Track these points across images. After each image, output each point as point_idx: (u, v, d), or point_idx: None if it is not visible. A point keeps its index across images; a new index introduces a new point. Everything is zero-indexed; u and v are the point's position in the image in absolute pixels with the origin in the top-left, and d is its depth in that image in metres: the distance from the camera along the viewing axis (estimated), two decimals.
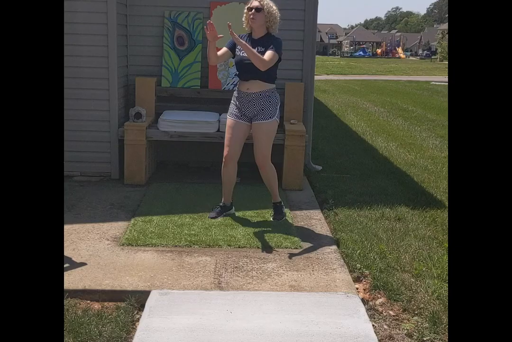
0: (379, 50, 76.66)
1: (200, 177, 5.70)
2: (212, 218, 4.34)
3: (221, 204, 4.45)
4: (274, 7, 4.10)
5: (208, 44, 4.06)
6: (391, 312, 3.09)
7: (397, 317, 3.05)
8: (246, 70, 4.12)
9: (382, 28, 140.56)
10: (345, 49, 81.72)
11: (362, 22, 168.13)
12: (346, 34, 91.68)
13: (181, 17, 5.78)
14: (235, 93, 4.29)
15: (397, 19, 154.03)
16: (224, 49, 4.21)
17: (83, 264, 3.48)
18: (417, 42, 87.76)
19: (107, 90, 5.36)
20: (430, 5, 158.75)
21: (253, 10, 4.02)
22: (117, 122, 5.42)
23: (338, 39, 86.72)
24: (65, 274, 3.31)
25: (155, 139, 5.43)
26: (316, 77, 6.81)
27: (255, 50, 3.97)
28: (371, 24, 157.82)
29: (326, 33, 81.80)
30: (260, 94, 4.15)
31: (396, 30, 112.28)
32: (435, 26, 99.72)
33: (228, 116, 4.31)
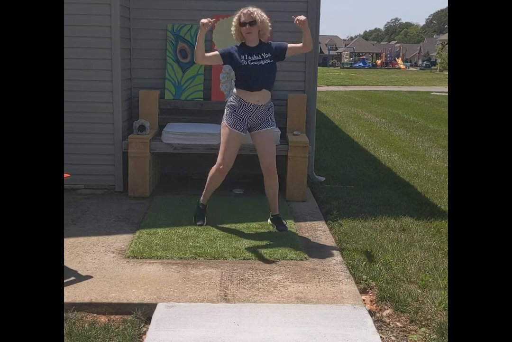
0: (379, 61, 76.96)
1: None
2: (200, 224, 4.43)
3: (201, 206, 4.55)
4: (265, 16, 4.13)
5: (198, 37, 4.07)
6: (398, 324, 3.08)
7: (405, 329, 3.04)
8: (259, 79, 4.10)
9: (382, 39, 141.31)
10: (345, 60, 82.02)
11: (362, 33, 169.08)
12: (345, 45, 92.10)
13: (183, 30, 5.82)
14: (234, 103, 4.20)
15: (396, 30, 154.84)
16: (216, 53, 4.18)
17: (89, 277, 3.47)
18: (417, 53, 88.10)
19: (111, 103, 5.39)
20: (429, 16, 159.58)
21: (247, 25, 4.06)
22: (121, 135, 5.44)
23: (338, 51, 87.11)
24: (71, 287, 3.31)
25: (158, 151, 5.45)
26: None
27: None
28: (371, 35, 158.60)
29: (326, 44, 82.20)
30: (267, 106, 4.23)
31: (395, 41, 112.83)
32: (434, 36, 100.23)
33: (229, 127, 4.23)
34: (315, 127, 6.10)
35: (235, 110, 4.22)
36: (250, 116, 4.19)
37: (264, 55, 4.12)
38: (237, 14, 4.14)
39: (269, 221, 4.53)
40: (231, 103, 4.24)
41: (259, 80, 4.12)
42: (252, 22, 4.05)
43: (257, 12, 4.09)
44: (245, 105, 4.18)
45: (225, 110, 4.29)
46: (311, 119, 5.95)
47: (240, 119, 4.21)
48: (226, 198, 5.18)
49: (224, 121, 4.28)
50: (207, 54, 4.15)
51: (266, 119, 4.23)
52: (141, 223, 4.54)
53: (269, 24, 4.15)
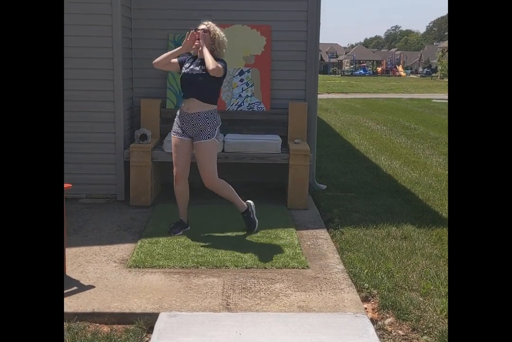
0: (379, 69, 77.09)
1: (205, 197, 5.70)
2: (174, 233, 4.45)
3: (178, 220, 4.57)
4: (222, 35, 4.29)
5: (175, 49, 4.31)
6: (400, 332, 3.08)
7: (407, 337, 3.04)
8: (188, 87, 4.28)
9: (382, 47, 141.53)
10: (346, 67, 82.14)
11: (362, 41, 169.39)
12: (346, 53, 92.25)
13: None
14: (177, 112, 4.42)
15: (396, 38, 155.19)
16: (175, 60, 4.37)
17: (91, 286, 3.48)
18: (417, 60, 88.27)
19: (113, 112, 5.41)
20: (430, 23, 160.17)
21: (198, 30, 4.25)
22: (123, 144, 5.46)
23: (338, 58, 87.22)
24: (74, 296, 3.32)
25: (160, 160, 5.46)
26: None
27: (210, 57, 4.14)
28: (371, 43, 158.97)
29: (327, 52, 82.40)
30: (199, 115, 4.29)
31: (396, 49, 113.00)
32: (434, 44, 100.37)
33: (172, 134, 4.45)
34: (316, 135, 6.12)
35: (176, 118, 4.42)
36: (183, 123, 4.34)
37: (202, 67, 4.25)
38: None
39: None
40: (177, 112, 4.46)
41: (187, 88, 4.29)
42: (205, 30, 4.24)
43: (213, 30, 4.28)
44: (180, 112, 4.38)
45: None
46: (312, 128, 5.97)
47: (178, 126, 4.39)
48: (226, 206, 5.18)
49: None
50: (171, 61, 4.35)
51: (201, 131, 4.30)
52: (143, 232, 4.55)
53: (224, 43, 4.30)
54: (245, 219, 4.63)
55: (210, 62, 4.10)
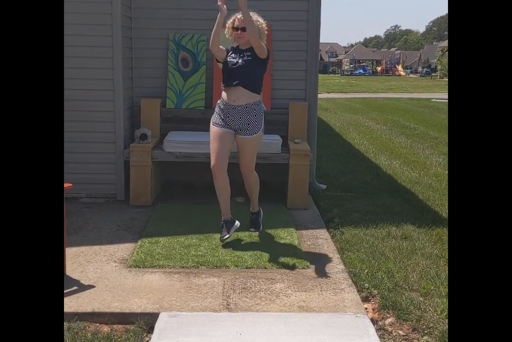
0: (379, 68, 77.08)
1: (206, 197, 5.70)
2: (223, 239, 4.22)
3: (222, 222, 4.34)
4: (260, 21, 4.13)
5: (216, 22, 4.06)
6: (400, 332, 3.08)
7: (407, 337, 3.04)
8: (234, 74, 4.11)
9: (382, 46, 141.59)
10: (345, 67, 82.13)
11: (362, 40, 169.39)
12: (346, 52, 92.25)
13: (185, 39, 5.85)
14: (219, 102, 4.24)
15: (396, 37, 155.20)
16: (223, 48, 4.22)
17: (91, 286, 3.48)
18: (417, 60, 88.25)
19: (113, 112, 5.41)
20: (429, 22, 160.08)
21: (240, 30, 4.10)
22: (123, 143, 5.45)
23: (338, 58, 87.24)
24: (74, 296, 3.32)
25: (160, 160, 5.46)
26: None
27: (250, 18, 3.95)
28: (371, 42, 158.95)
29: (326, 51, 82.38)
30: (246, 107, 4.13)
31: (395, 48, 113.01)
32: (434, 43, 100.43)
33: (212, 125, 4.24)
34: (316, 135, 6.12)
35: (218, 109, 4.24)
36: (228, 116, 4.16)
37: (245, 54, 4.13)
38: (232, 17, 4.16)
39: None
40: (218, 103, 4.27)
41: (234, 76, 4.10)
42: (244, 28, 4.07)
43: (254, 17, 4.08)
44: (224, 104, 4.18)
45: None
46: (312, 127, 5.97)
47: (221, 119, 4.20)
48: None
49: (211, 121, 4.30)
50: (220, 46, 4.18)
51: (248, 124, 4.16)
52: (143, 232, 4.55)
53: (264, 30, 4.14)
54: (252, 219, 4.57)
55: (252, 28, 3.94)
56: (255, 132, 4.19)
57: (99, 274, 3.70)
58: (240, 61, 4.14)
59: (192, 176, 6.11)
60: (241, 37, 4.13)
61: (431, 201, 5.78)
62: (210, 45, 4.16)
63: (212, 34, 4.10)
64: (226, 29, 4.20)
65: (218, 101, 4.27)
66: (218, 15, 4.06)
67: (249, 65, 4.12)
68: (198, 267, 3.81)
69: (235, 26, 4.13)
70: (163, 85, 5.90)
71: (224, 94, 4.21)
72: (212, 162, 4.19)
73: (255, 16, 4.09)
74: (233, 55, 4.21)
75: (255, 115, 4.16)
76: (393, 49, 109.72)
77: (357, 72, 71.90)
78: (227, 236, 4.22)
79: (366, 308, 3.31)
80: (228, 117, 4.16)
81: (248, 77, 4.13)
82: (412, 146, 9.75)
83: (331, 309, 3.23)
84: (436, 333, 3.01)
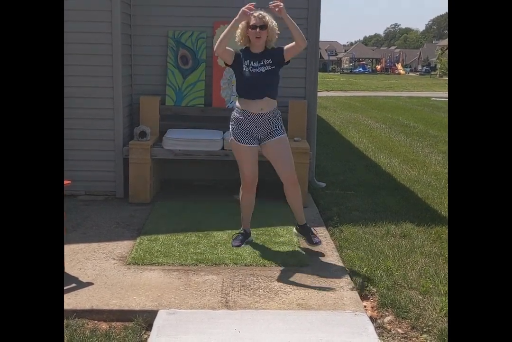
0: (378, 67, 77.04)
1: (205, 195, 5.71)
2: (236, 246, 4.17)
3: (241, 231, 4.30)
4: (274, 22, 4.02)
5: (231, 24, 3.90)
6: (399, 330, 3.08)
7: (406, 335, 3.03)
8: (260, 87, 3.97)
9: (381, 45, 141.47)
10: (345, 65, 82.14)
11: (361, 38, 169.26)
12: (345, 51, 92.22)
13: (184, 36, 5.84)
14: (238, 116, 4.04)
15: (396, 36, 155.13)
16: (231, 49, 4.00)
17: (90, 283, 3.48)
18: (416, 58, 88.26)
19: (112, 109, 5.40)
20: (429, 21, 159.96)
21: (258, 28, 3.91)
22: (122, 141, 5.45)
23: (337, 56, 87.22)
24: (72, 294, 3.32)
25: (159, 157, 5.46)
26: None
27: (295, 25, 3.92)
28: (370, 41, 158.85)
29: (326, 50, 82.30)
30: (273, 114, 4.04)
31: (395, 47, 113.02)
32: (434, 42, 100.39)
33: (236, 142, 4.06)
34: (315, 133, 6.11)
35: (239, 124, 4.03)
36: (256, 126, 4.00)
37: (265, 62, 3.99)
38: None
39: (294, 230, 4.43)
40: (235, 115, 4.07)
41: (260, 88, 3.97)
42: (263, 26, 3.92)
43: (268, 17, 3.97)
44: (249, 116, 3.99)
45: (230, 125, 4.10)
46: (311, 126, 5.96)
47: (247, 133, 4.02)
48: (226, 203, 5.18)
49: (231, 137, 4.10)
50: (227, 48, 3.98)
51: (276, 127, 4.05)
52: (142, 229, 4.54)
53: (277, 32, 4.04)
54: (307, 231, 4.29)
55: (300, 35, 3.91)
56: (284, 131, 4.12)
57: (97, 271, 3.69)
58: (263, 70, 3.98)
59: (191, 174, 6.11)
60: (258, 36, 3.93)
61: (430, 199, 5.78)
62: (216, 47, 3.96)
63: (222, 36, 3.90)
64: (239, 31, 3.98)
65: (237, 115, 4.05)
66: (236, 18, 3.89)
67: (271, 74, 4.00)
68: (197, 265, 3.81)
69: (252, 24, 3.91)
70: (162, 82, 5.89)
71: (245, 105, 4.01)
72: (246, 178, 4.11)
73: (268, 17, 3.97)
74: (252, 63, 3.99)
75: (280, 119, 4.11)
76: (392, 47, 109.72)
77: (357, 70, 71.88)
78: (239, 246, 4.18)
79: (365, 306, 3.31)
80: (257, 126, 4.01)
81: (271, 87, 4.04)
82: (412, 145, 9.75)
83: (330, 307, 3.23)
84: (435, 331, 3.01)
